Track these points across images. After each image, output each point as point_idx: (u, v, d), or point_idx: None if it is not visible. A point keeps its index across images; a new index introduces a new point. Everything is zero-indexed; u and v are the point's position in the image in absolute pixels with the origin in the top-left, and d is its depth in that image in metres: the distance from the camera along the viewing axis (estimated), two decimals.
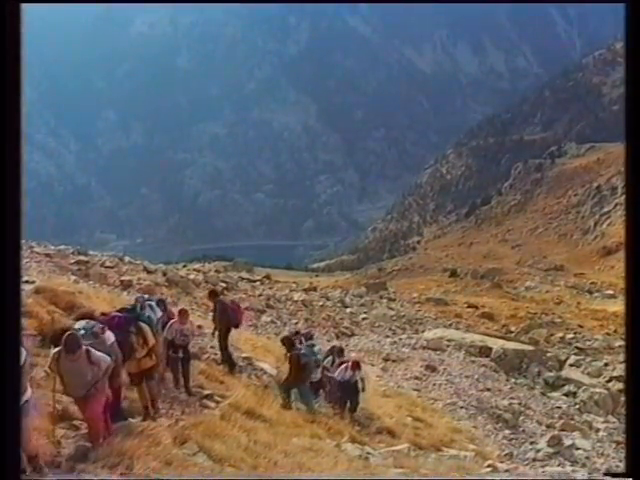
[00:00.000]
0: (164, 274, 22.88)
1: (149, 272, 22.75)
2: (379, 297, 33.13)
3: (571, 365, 22.29)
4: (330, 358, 11.78)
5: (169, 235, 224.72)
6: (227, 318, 11.09)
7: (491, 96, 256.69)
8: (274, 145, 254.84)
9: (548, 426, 15.54)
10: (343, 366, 11.30)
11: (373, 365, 17.97)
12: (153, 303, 9.21)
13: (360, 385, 11.34)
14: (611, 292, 45.75)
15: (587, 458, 13.35)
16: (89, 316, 6.99)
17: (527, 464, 12.24)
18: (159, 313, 9.14)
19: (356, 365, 11.31)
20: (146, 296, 9.91)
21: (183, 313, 9.29)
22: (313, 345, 11.89)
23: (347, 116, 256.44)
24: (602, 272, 60.40)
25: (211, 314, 12.09)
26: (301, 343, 12.35)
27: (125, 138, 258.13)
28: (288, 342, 11.02)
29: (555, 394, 18.89)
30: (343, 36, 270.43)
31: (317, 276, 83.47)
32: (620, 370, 20.98)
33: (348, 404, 11.15)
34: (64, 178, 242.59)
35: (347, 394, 11.16)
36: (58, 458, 5.55)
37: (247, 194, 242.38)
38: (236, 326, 11.37)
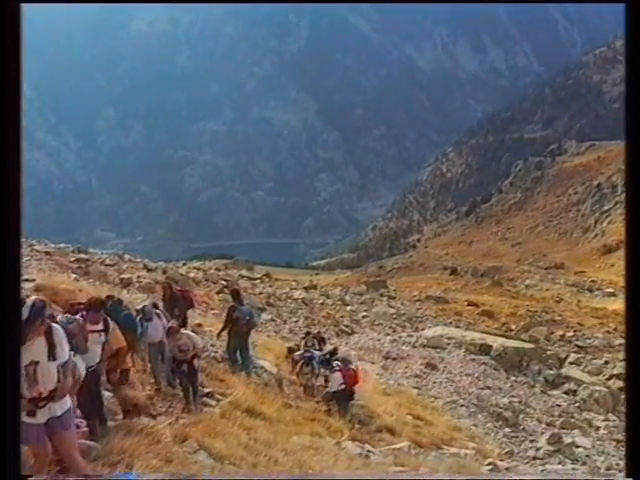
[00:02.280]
0: (164, 272, 22.94)
1: (149, 270, 22.83)
2: (379, 295, 33.18)
3: (571, 363, 22.30)
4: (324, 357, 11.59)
5: (169, 233, 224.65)
6: (185, 303, 11.21)
7: (491, 94, 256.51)
8: (274, 143, 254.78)
9: (548, 424, 15.53)
10: (339, 374, 10.83)
11: (373, 363, 17.98)
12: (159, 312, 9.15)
13: (351, 396, 11.05)
14: (611, 290, 45.80)
15: (587, 456, 13.36)
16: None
17: (527, 462, 12.26)
18: (164, 321, 9.03)
19: (355, 379, 10.92)
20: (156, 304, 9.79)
21: (171, 331, 8.57)
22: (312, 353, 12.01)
23: (347, 114, 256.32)
24: (602, 270, 60.34)
25: (211, 312, 12.19)
26: (314, 346, 12.49)
27: (125, 136, 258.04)
28: (235, 293, 11.79)
29: (555, 392, 18.88)
30: (343, 34, 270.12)
31: (317, 274, 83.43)
32: (620, 368, 20.99)
33: (336, 408, 10.91)
34: (64, 176, 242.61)
35: (338, 400, 10.98)
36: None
37: (247, 192, 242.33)
38: (191, 306, 11.65)
